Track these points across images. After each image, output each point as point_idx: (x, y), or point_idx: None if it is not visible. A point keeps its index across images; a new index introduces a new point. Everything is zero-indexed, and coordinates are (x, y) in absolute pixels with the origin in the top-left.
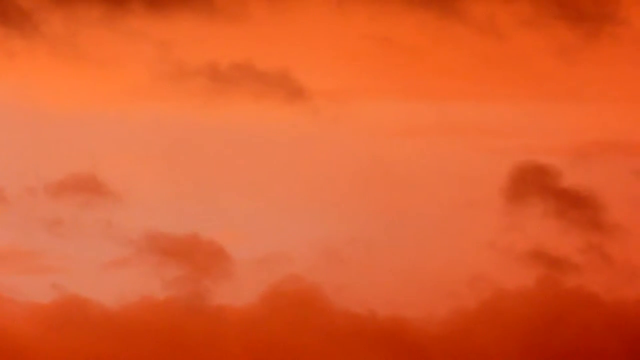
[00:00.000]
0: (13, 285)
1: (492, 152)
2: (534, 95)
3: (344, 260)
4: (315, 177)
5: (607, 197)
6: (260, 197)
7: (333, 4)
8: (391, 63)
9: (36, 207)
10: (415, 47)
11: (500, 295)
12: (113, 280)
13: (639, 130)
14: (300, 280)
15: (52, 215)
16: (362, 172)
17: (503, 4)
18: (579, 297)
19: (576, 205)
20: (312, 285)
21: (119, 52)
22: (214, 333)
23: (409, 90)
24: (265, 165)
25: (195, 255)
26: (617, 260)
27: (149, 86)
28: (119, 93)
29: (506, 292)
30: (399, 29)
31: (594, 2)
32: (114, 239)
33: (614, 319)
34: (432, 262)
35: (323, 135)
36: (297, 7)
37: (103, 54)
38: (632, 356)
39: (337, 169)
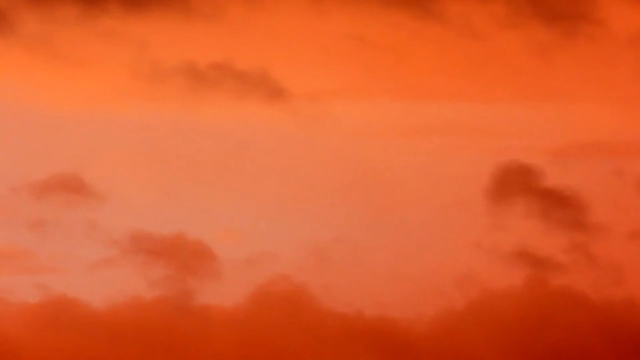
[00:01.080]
0: None
1: (475, 152)
2: (513, 96)
3: (330, 261)
4: (299, 177)
5: (590, 197)
6: (245, 197)
7: (310, 3)
8: (370, 63)
9: (20, 207)
10: (393, 47)
11: (487, 295)
12: (99, 281)
13: (618, 130)
14: (288, 280)
15: (36, 215)
16: (345, 173)
17: (479, 5)
18: (565, 296)
19: (560, 205)
20: (299, 285)
21: (96, 52)
22: (202, 333)
23: (389, 91)
24: (248, 165)
25: (181, 255)
26: (601, 260)
27: (128, 86)
28: (99, 93)
29: (493, 292)
30: (376, 29)
31: (569, 2)
32: (99, 239)
33: (600, 319)
34: (418, 262)
35: (304, 136)
36: (273, 7)
37: (80, 53)
38: (618, 355)
39: (320, 169)
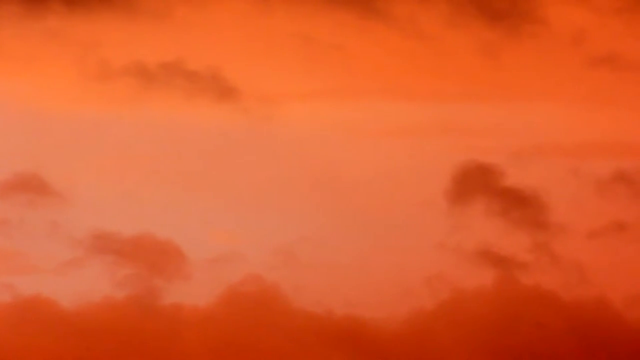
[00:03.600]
0: None
1: (432, 151)
2: (463, 95)
3: (298, 260)
4: (255, 177)
5: (548, 197)
6: (207, 197)
7: (255, 1)
8: (318, 62)
9: None
10: (340, 46)
11: (455, 294)
12: (67, 281)
13: (569, 130)
14: (258, 280)
15: None
16: (302, 173)
17: (422, 4)
18: (533, 295)
19: (520, 205)
20: (269, 284)
21: (41, 52)
22: (172, 333)
23: (339, 91)
24: (207, 165)
25: (150, 254)
26: (564, 259)
27: (77, 86)
28: (47, 93)
29: (461, 291)
30: (322, 28)
31: (510, 1)
32: (65, 238)
33: (568, 317)
34: (384, 262)
35: (257, 135)
36: (219, 5)
37: (25, 52)
38: (587, 353)
39: (277, 169)
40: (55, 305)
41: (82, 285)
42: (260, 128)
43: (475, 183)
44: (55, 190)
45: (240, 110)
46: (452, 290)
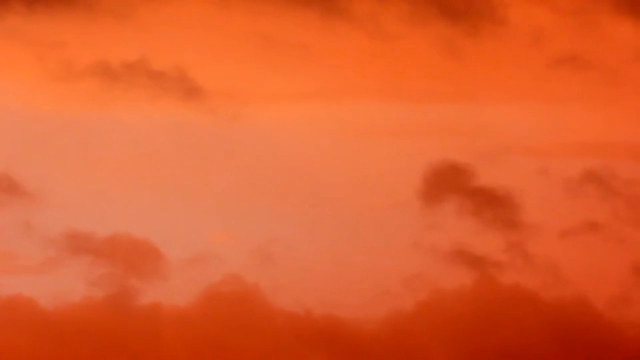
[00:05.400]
0: None
1: (402, 151)
2: (427, 95)
3: (273, 260)
4: (224, 176)
5: (520, 196)
6: (178, 197)
7: (217, 1)
8: (281, 61)
9: None
10: (302, 45)
11: (433, 294)
12: (43, 281)
13: (534, 129)
14: (236, 280)
15: None
16: (269, 172)
17: (383, 3)
18: (511, 295)
19: (493, 204)
20: (248, 284)
21: (3, 52)
22: (151, 333)
23: (304, 89)
24: (174, 165)
25: (125, 254)
26: (538, 258)
27: (41, 86)
28: (10, 93)
29: (438, 291)
30: (283, 27)
31: (469, 1)
32: (37, 239)
33: (546, 316)
34: (361, 262)
35: (225, 134)
36: (181, 5)
37: None
38: (566, 352)
39: (246, 169)
40: (34, 305)
41: (60, 286)
42: (227, 127)
43: (447, 183)
44: (26, 190)
45: (206, 110)
46: (429, 290)
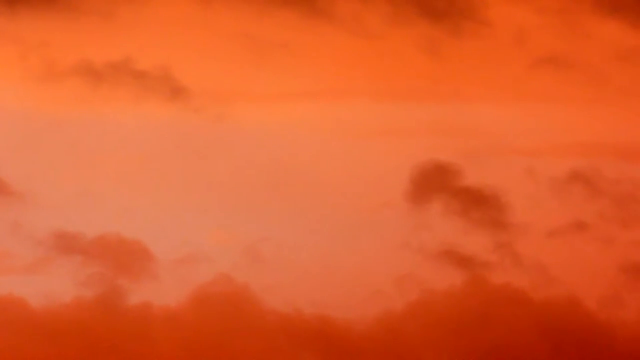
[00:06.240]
0: None
1: (388, 151)
2: (407, 93)
3: (265, 260)
4: (212, 177)
5: (507, 196)
6: (165, 197)
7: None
8: (264, 61)
9: None
10: (284, 45)
11: (423, 294)
12: (34, 281)
13: (519, 129)
14: (227, 280)
15: None
16: (256, 172)
17: (364, 3)
18: (500, 295)
19: (480, 204)
20: (238, 284)
21: None
22: (141, 333)
23: (288, 89)
24: (161, 164)
25: (115, 254)
26: (526, 258)
27: (25, 86)
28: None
29: (428, 291)
30: (266, 27)
31: (450, 1)
32: (26, 239)
33: (535, 316)
34: (351, 262)
35: (211, 134)
36: (163, 5)
37: None
38: (555, 351)
39: (233, 168)
40: (24, 305)
41: (50, 286)
42: (213, 127)
43: (434, 183)
44: (14, 190)
45: (191, 109)
46: (419, 290)
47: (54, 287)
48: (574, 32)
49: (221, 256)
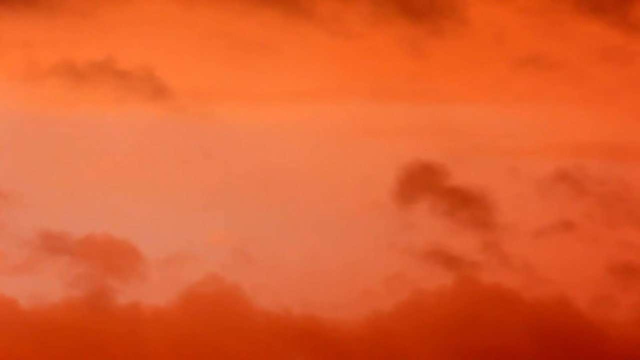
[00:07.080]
0: None
1: (369, 152)
2: (389, 94)
3: (254, 260)
4: (194, 177)
5: (493, 196)
6: (152, 198)
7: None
8: (246, 61)
9: None
10: (266, 45)
11: (413, 294)
12: (22, 281)
13: (503, 129)
14: (216, 280)
15: None
16: (240, 172)
17: (345, 2)
18: (489, 295)
19: (467, 204)
20: (228, 284)
21: None
22: (131, 333)
23: (270, 88)
24: (147, 164)
25: (103, 254)
26: (514, 258)
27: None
28: None
29: (418, 291)
30: (247, 26)
31: (431, 1)
32: (12, 239)
33: (524, 316)
34: (340, 262)
35: (195, 134)
36: (144, 4)
37: None
38: (545, 351)
39: (216, 168)
40: (13, 305)
41: (39, 286)
42: (196, 126)
43: (421, 183)
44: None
45: (174, 109)
46: (409, 290)
47: (42, 287)
48: (555, 31)
49: (210, 256)
